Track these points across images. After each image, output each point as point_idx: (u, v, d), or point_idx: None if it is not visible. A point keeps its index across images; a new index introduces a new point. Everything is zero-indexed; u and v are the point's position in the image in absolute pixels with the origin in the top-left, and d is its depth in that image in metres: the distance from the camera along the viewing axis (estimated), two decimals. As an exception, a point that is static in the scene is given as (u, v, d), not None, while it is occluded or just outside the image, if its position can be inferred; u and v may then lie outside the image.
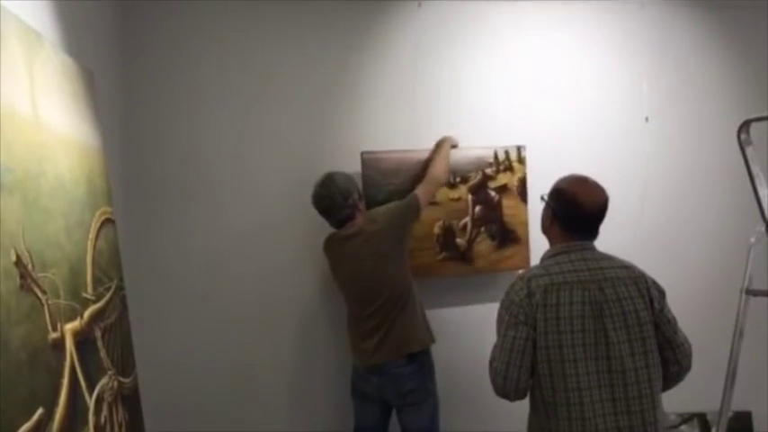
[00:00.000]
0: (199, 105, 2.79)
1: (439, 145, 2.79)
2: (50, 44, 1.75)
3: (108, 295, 1.95)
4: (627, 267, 1.92)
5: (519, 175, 2.96)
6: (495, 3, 3.02)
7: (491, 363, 1.92)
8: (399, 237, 2.54)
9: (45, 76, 1.66)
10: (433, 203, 2.82)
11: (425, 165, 2.76)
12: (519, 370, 1.84)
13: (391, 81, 2.95)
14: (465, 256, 2.93)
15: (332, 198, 2.53)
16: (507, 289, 1.95)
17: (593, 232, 1.97)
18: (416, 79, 2.96)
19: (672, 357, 1.90)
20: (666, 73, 3.20)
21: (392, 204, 2.59)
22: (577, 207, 1.92)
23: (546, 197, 2.03)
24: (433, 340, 2.64)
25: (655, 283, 1.94)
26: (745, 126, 2.38)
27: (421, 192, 2.58)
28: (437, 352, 2.71)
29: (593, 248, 1.96)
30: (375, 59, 2.95)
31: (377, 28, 2.95)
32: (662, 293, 1.93)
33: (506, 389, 1.87)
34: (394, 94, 2.95)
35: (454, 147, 2.85)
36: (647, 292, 1.87)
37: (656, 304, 1.88)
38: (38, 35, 1.65)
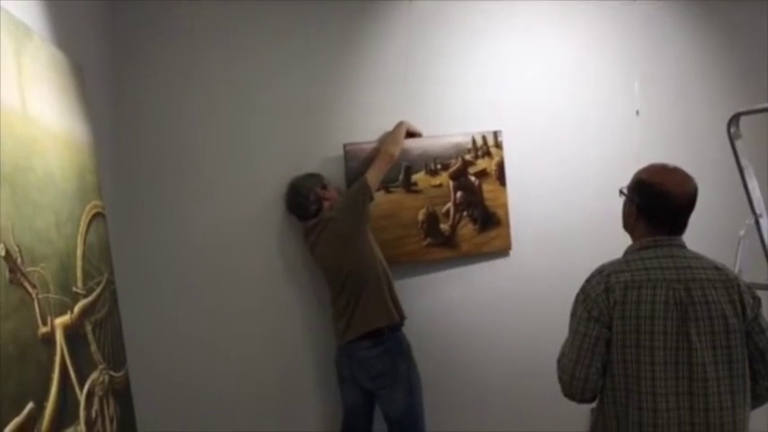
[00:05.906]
0: (188, 100, 2.79)
1: (396, 127, 2.85)
2: (40, 37, 1.74)
3: (98, 289, 1.95)
4: (719, 269, 1.74)
5: (497, 159, 3.01)
6: (483, 1, 3.03)
7: (559, 360, 1.79)
8: (355, 218, 2.65)
9: (34, 69, 1.66)
10: (416, 191, 2.91)
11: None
12: (588, 369, 1.71)
13: (377, 75, 2.96)
14: (449, 240, 2.98)
15: (297, 203, 2.77)
16: (583, 283, 1.80)
17: (682, 225, 1.80)
18: (402, 73, 2.97)
19: (763, 371, 1.72)
20: (657, 67, 3.21)
21: (350, 189, 2.74)
22: (666, 199, 1.74)
23: (625, 191, 1.86)
24: (402, 317, 2.70)
25: (750, 288, 1.76)
26: (734, 119, 2.39)
27: (370, 171, 2.69)
28: (423, 338, 2.75)
29: (682, 245, 1.79)
30: (361, 54, 2.95)
31: (366, 25, 2.95)
32: (757, 300, 1.74)
33: (573, 389, 1.74)
34: (377, 88, 2.96)
35: (416, 135, 2.91)
36: (738, 298, 1.70)
37: (748, 311, 1.70)
38: (27, 28, 1.64)
